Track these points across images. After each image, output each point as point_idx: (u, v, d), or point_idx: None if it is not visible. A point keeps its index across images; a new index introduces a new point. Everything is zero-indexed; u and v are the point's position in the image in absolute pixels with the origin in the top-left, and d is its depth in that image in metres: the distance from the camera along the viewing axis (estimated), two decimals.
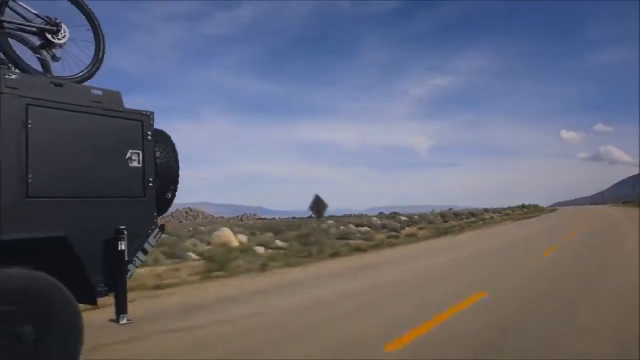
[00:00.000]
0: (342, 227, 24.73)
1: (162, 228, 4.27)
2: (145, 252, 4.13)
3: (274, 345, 5.20)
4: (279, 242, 17.93)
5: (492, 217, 43.46)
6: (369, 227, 25.76)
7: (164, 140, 4.50)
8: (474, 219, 39.46)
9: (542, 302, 7.11)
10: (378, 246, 18.17)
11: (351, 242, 18.74)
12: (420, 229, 28.08)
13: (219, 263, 11.53)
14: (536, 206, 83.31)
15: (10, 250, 3.16)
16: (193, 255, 13.64)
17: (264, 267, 11.91)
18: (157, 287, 9.12)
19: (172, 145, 4.61)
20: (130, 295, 4.11)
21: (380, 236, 22.14)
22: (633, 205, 64.29)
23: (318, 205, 16.92)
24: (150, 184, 4.17)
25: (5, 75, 3.44)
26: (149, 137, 4.20)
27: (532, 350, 4.80)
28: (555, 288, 8.18)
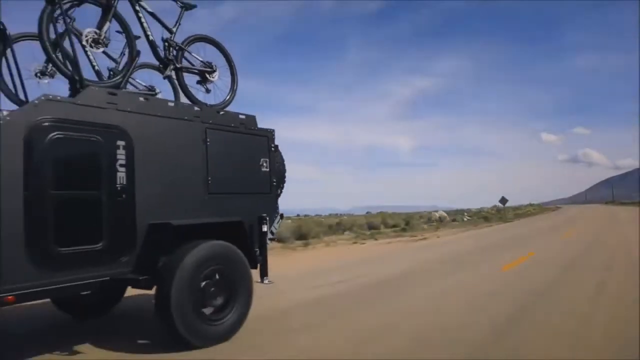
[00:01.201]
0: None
1: (281, 216, 5.77)
2: (272, 233, 5.62)
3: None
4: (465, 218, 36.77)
5: (529, 210, 59.21)
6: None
7: (277, 150, 5.98)
8: (520, 211, 55.35)
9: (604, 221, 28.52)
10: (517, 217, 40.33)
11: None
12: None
13: (485, 219, 34.75)
14: (539, 205, 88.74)
15: (214, 230, 4.63)
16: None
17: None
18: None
19: (281, 154, 6.09)
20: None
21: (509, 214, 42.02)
22: (614, 204, 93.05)
23: (503, 201, 35.50)
24: (274, 183, 5.66)
25: (194, 107, 4.92)
26: (272, 148, 5.68)
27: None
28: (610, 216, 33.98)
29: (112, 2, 4.51)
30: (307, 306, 6.16)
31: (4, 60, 4.91)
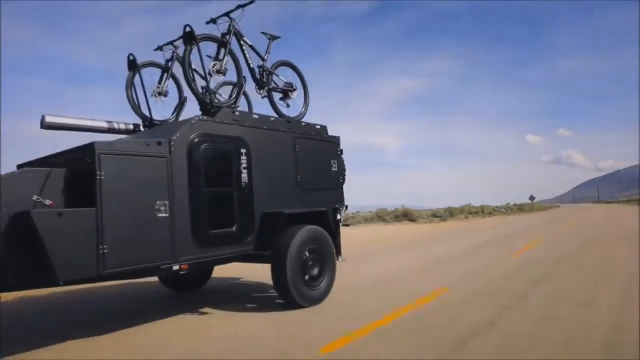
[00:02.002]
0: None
1: (346, 207, 7.04)
2: (340, 220, 6.88)
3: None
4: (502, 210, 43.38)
5: (539, 207, 64.43)
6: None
7: (341, 153, 7.23)
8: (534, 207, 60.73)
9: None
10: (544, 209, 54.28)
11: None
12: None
13: (523, 210, 46.53)
14: (537, 204, 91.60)
15: (306, 217, 5.88)
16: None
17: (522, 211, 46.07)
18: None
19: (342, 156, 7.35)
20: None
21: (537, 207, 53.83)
22: (600, 203, 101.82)
23: (532, 197, 47.12)
24: (340, 180, 6.93)
25: (287, 120, 6.18)
26: (339, 152, 6.95)
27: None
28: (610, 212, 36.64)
29: (227, 39, 5.72)
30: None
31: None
